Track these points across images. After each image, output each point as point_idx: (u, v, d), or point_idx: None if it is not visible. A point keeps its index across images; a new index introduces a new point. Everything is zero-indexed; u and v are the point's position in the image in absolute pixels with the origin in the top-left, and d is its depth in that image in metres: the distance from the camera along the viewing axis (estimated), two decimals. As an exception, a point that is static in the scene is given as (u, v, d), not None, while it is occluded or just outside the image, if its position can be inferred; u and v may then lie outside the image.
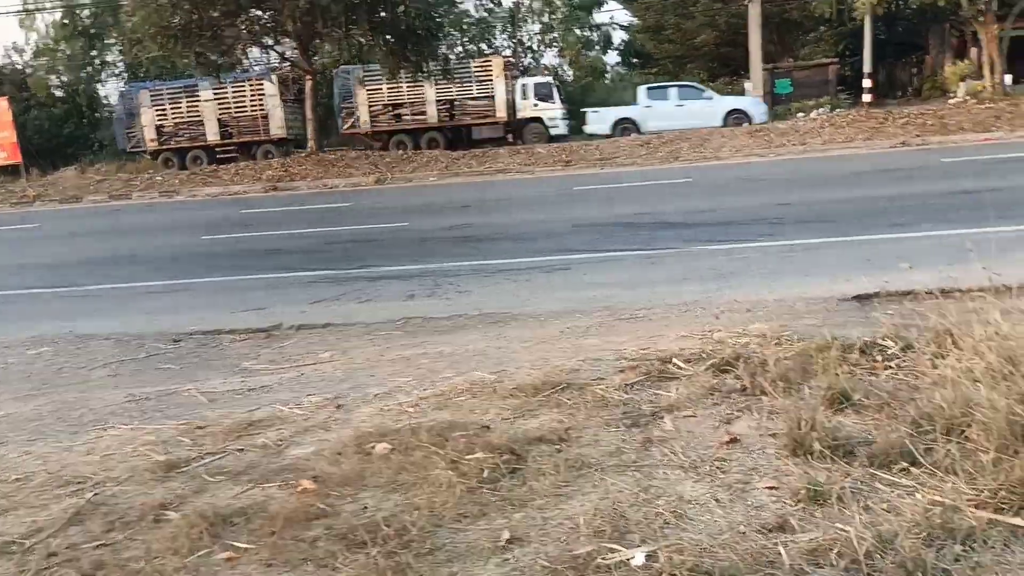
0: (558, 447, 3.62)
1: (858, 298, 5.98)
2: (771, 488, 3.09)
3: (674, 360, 4.67)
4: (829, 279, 6.62)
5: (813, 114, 25.19)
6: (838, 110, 24.85)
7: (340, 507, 3.21)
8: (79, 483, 3.69)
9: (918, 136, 18.10)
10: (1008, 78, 24.55)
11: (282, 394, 4.89)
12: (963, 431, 3.18)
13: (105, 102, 45.08)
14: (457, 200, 14.99)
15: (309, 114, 24.97)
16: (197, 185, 20.77)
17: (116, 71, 46.14)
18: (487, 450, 3.57)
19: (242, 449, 3.95)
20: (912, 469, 3.04)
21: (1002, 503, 2.73)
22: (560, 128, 31.44)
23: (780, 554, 2.59)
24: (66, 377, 5.74)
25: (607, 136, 26.24)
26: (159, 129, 33.33)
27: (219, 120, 33.23)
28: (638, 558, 2.65)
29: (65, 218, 16.93)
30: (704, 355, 4.66)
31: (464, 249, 9.78)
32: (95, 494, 3.53)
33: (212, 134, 33.27)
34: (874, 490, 2.96)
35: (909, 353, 4.32)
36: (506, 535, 2.91)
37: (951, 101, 23.82)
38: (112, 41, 44.10)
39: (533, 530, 2.93)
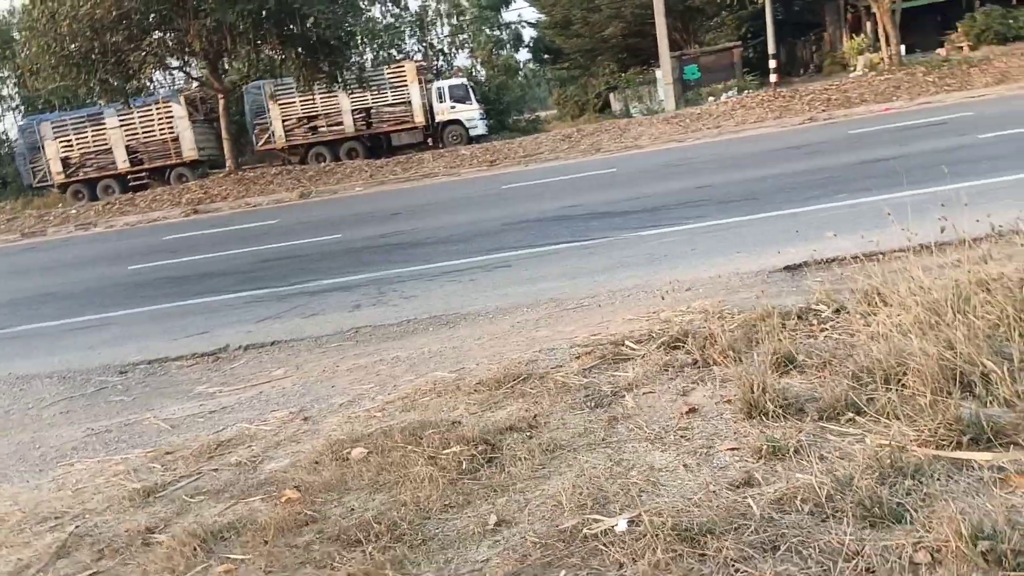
0: (529, 434, 3.78)
1: (788, 268, 6.29)
2: (733, 449, 3.30)
3: (626, 343, 4.88)
4: (759, 253, 6.93)
5: (723, 97, 25.95)
6: (747, 91, 25.63)
7: (327, 511, 3.31)
8: (57, 518, 3.70)
9: (824, 111, 18.85)
10: (903, 49, 25.74)
11: (244, 413, 4.92)
12: (900, 380, 3.45)
13: (3, 137, 43.48)
14: (386, 208, 15.01)
15: (225, 133, 24.57)
16: (114, 215, 20.24)
17: (12, 104, 44.54)
18: (462, 443, 3.71)
19: (216, 469, 4.00)
20: (858, 418, 3.30)
21: (942, 440, 3.00)
22: (479, 128, 31.65)
23: (750, 506, 2.79)
24: (16, 419, 5.64)
25: None
26: (65, 161, 32.30)
27: (128, 147, 32.36)
28: (621, 524, 2.83)
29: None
30: (653, 335, 4.88)
31: (402, 256, 9.86)
32: (76, 527, 3.55)
33: (122, 162, 32.38)
34: (826, 440, 3.20)
35: (842, 314, 4.62)
36: (493, 519, 3.05)
37: (852, 75, 24.81)
38: (6, 74, 42.53)
39: (518, 512, 3.09)
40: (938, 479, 2.77)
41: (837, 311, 4.69)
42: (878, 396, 3.38)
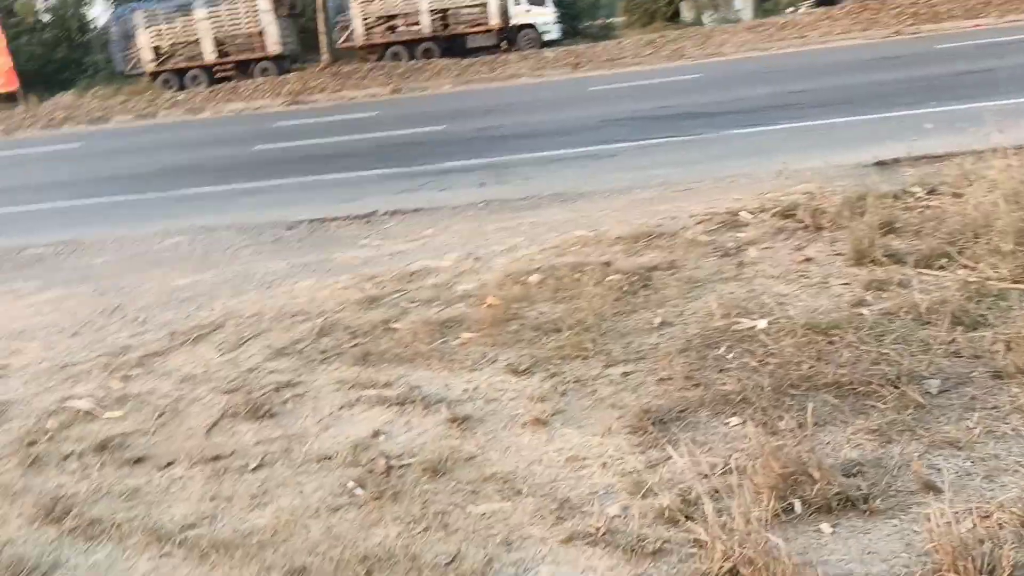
0: (671, 272, 4.71)
1: (881, 163, 7.00)
2: (845, 284, 4.20)
3: (741, 213, 5.75)
4: (853, 150, 7.62)
5: (802, 9, 25.73)
6: (827, 5, 25.38)
7: (523, 314, 4.31)
8: (304, 314, 4.79)
9: (912, 25, 18.87)
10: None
11: (419, 256, 5.94)
12: (987, 236, 4.28)
13: (93, 26, 44.70)
14: (480, 105, 15.79)
15: (321, 27, 25.32)
16: (220, 102, 21.39)
17: (103, -8, 45.57)
18: (619, 274, 4.68)
19: (418, 288, 5.04)
20: (949, 264, 4.15)
21: (1018, 278, 3.85)
22: (553, 33, 31.74)
23: (863, 314, 3.71)
24: (218, 257, 6.76)
25: None
26: (156, 50, 33.37)
27: (215, 39, 33.23)
28: (761, 323, 3.77)
29: (102, 137, 17.66)
30: (765, 207, 5.74)
31: (509, 146, 10.71)
32: (323, 320, 4.63)
33: (209, 53, 33.29)
34: (923, 279, 4.06)
35: (934, 195, 5.41)
36: (658, 320, 4.02)
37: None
38: (99, -39, 43.45)
39: (676, 317, 4.05)
40: (1011, 302, 3.63)
41: (929, 192, 5.48)
42: (967, 249, 4.22)
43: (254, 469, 3.12)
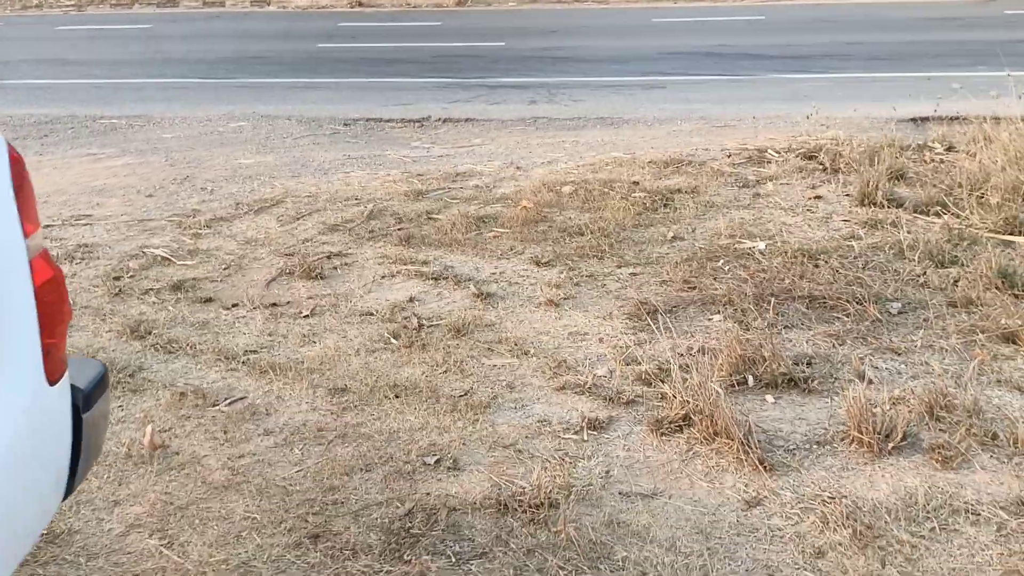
0: (692, 195, 5.15)
1: (915, 120, 7.27)
2: (845, 220, 4.61)
3: (768, 150, 6.13)
4: (892, 104, 7.84)
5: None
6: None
7: (552, 217, 4.80)
8: (356, 199, 5.32)
9: (990, -14, 18.45)
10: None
11: (465, 159, 6.42)
12: (982, 192, 4.64)
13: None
14: (543, 26, 15.95)
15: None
16: (285, -3, 21.69)
17: None
18: (644, 192, 5.13)
19: (461, 187, 5.53)
20: (942, 212, 4.54)
21: (998, 228, 4.24)
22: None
23: (852, 246, 4.14)
24: (277, 143, 7.30)
25: None
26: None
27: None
28: (761, 245, 4.22)
29: (171, 20, 18.14)
30: (792, 148, 6.10)
31: (565, 67, 11.01)
32: (374, 205, 5.16)
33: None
34: (915, 223, 4.46)
35: (951, 152, 5.73)
36: (670, 234, 4.49)
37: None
38: None
39: (687, 233, 4.51)
40: (987, 248, 4.03)
41: (948, 149, 5.80)
42: (961, 199, 4.59)
43: (306, 316, 3.69)
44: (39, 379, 1.32)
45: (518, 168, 6.02)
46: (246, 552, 2.17)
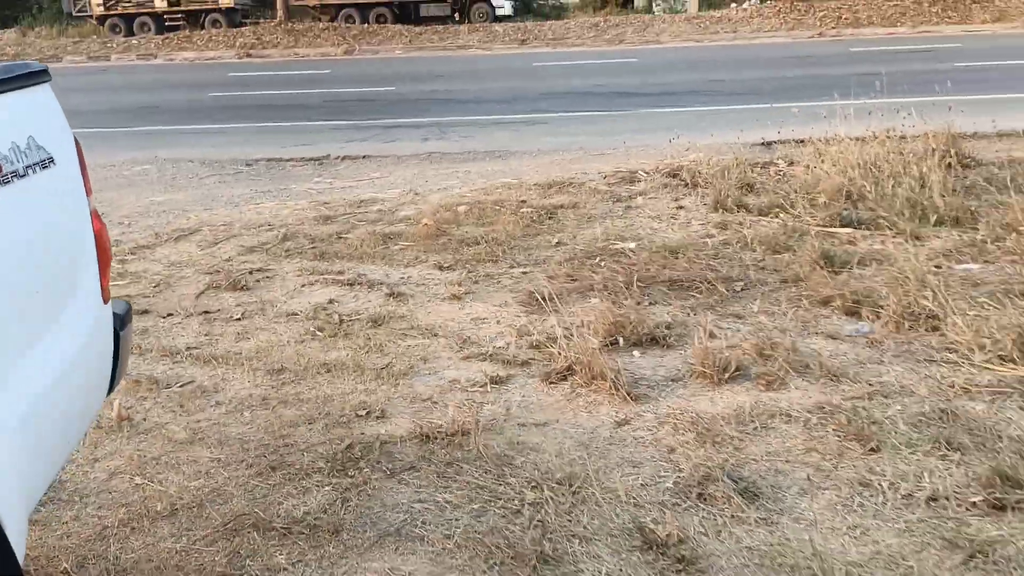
0: (573, 209, 5.85)
1: (766, 143, 8.25)
2: (702, 224, 5.39)
3: (639, 171, 6.92)
4: (748, 131, 8.82)
5: (745, 5, 27.09)
6: (768, 2, 26.83)
7: (451, 232, 5.40)
8: (269, 225, 5.79)
9: (834, 28, 20.33)
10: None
11: (367, 189, 6.97)
12: (813, 195, 5.51)
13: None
14: (430, 71, 16.70)
15: (275, -17, 25.69)
16: (173, 49, 21.75)
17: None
18: (531, 208, 5.80)
19: (366, 212, 6.08)
20: (782, 214, 5.36)
21: (825, 223, 5.08)
22: (506, 8, 32.57)
23: (707, 243, 4.89)
24: (184, 183, 7.66)
25: None
26: (106, -6, 33.21)
27: (167, -13, 33.21)
28: (631, 245, 4.93)
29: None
30: (659, 169, 6.92)
31: (454, 108, 11.72)
32: (287, 229, 5.64)
33: (160, 1, 33.27)
34: (759, 223, 5.27)
35: (792, 166, 6.65)
36: (555, 240, 5.15)
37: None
38: None
39: (570, 240, 5.18)
40: (814, 237, 4.84)
41: (789, 163, 6.73)
42: (797, 202, 5.44)
43: (237, 319, 4.15)
44: (99, 299, 1.79)
45: (416, 194, 6.61)
46: (216, 482, 2.64)
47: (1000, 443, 2.62)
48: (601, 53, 19.55)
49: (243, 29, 24.12)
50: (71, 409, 1.66)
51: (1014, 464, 2.42)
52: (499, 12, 32.13)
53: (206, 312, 4.25)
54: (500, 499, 2.48)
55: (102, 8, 33.19)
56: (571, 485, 2.52)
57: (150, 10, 33.34)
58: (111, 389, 1.89)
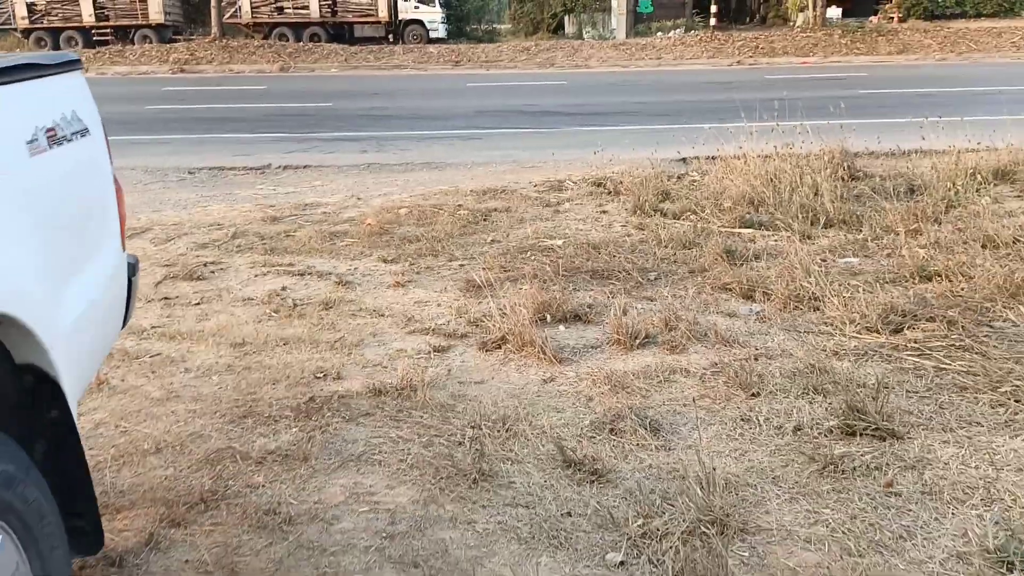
0: (506, 212, 6.34)
1: (683, 159, 8.90)
2: (623, 225, 5.94)
3: (567, 181, 7.47)
4: (667, 148, 9.48)
5: (671, 34, 28.27)
6: (692, 31, 28.05)
7: (393, 231, 5.83)
8: (218, 225, 6.12)
9: (751, 57, 21.48)
10: (838, 11, 28.48)
11: (310, 195, 7.34)
12: (720, 201, 6.12)
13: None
14: (366, 89, 17.12)
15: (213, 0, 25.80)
16: (105, 63, 21.65)
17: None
18: (467, 211, 6.28)
19: (311, 214, 6.46)
20: (693, 217, 5.95)
21: (731, 225, 5.68)
22: (439, 31, 33.22)
23: (626, 240, 5.43)
24: (129, 188, 7.89)
25: None
26: (31, 7, 32.69)
27: (95, 2, 32.88)
28: (559, 242, 5.44)
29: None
30: (585, 179, 7.48)
31: (390, 124, 12.16)
32: (236, 228, 5.99)
33: (88, 15, 32.86)
34: (673, 225, 5.84)
35: (705, 178, 7.28)
36: (489, 239, 5.63)
37: (795, 26, 27.40)
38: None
39: (503, 238, 5.66)
40: (717, 236, 5.43)
41: (702, 175, 7.36)
42: (706, 207, 6.04)
43: (197, 304, 4.50)
44: (120, 247, 2.18)
45: (359, 199, 7.02)
46: (195, 428, 3.02)
47: (858, 389, 3.17)
48: (533, 75, 20.26)
49: (176, 45, 24.15)
50: (100, 330, 2.05)
51: (863, 399, 2.97)
52: (432, 35, 32.74)
53: (166, 298, 4.59)
54: (444, 435, 2.92)
55: (27, 22, 32.68)
56: (505, 424, 2.98)
57: (77, 24, 32.97)
58: (124, 323, 2.26)
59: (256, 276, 4.94)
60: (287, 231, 5.90)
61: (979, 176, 6.56)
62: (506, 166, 8.87)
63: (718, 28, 25.84)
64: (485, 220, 6.11)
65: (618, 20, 31.84)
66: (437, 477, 2.64)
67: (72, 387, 1.72)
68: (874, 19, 30.44)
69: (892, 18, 30.03)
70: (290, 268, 5.04)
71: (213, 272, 5.03)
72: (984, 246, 4.95)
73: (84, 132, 2.06)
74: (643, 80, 18.16)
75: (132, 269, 2.31)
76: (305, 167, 9.09)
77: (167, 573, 2.19)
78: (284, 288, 4.69)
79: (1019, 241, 5.01)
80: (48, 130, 1.84)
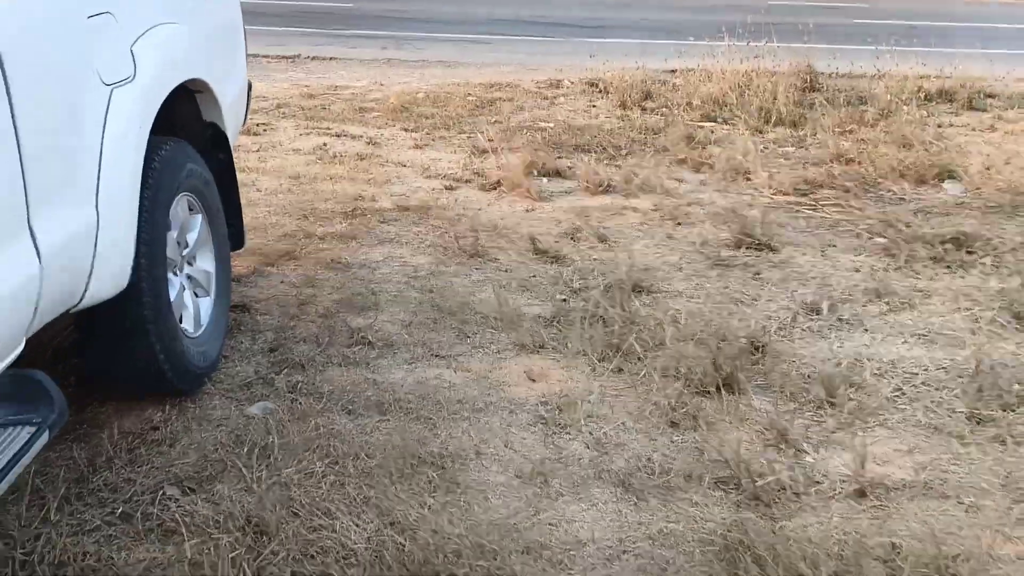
0: (509, 102, 7.39)
1: (673, 70, 9.87)
2: (607, 116, 6.99)
3: (565, 80, 8.49)
4: (661, 59, 10.45)
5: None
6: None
7: (412, 109, 6.89)
8: (263, 97, 7.17)
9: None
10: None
11: (339, 80, 8.37)
12: (692, 100, 7.16)
13: None
14: (383, -8, 17.90)
15: None
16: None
17: None
18: (475, 98, 7.33)
19: (341, 93, 7.51)
20: (666, 111, 6.99)
21: (695, 119, 6.74)
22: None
23: (607, 125, 6.50)
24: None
25: None
26: None
27: None
28: (551, 124, 6.51)
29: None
30: (581, 80, 8.49)
31: (409, 25, 13.03)
32: (278, 101, 7.04)
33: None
34: (649, 116, 6.88)
35: (686, 83, 8.30)
36: (494, 120, 6.70)
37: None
38: None
39: (504, 120, 6.72)
40: (681, 126, 6.48)
41: (686, 81, 8.37)
42: (680, 104, 7.08)
43: (255, 151, 5.61)
44: (245, 67, 3.32)
45: (382, 85, 8.06)
46: (271, 221, 4.17)
47: (757, 226, 4.31)
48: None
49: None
50: (241, 109, 3.21)
51: (752, 223, 4.12)
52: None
53: (230, 146, 5.69)
54: (450, 232, 4.08)
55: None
56: (495, 228, 4.14)
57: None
58: (243, 123, 3.37)
59: (300, 135, 6.04)
60: (322, 105, 6.97)
61: (922, 94, 7.60)
62: (512, 67, 9.84)
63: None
64: (490, 106, 7.17)
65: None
66: (446, 252, 3.81)
67: (232, 140, 2.85)
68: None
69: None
70: (328, 131, 6.13)
71: (264, 131, 6.12)
72: (903, 146, 6.04)
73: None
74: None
75: (249, 84, 3.42)
76: (331, 59, 10.05)
77: (269, 285, 3.37)
78: (325, 144, 5.79)
79: (933, 143, 6.09)
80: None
